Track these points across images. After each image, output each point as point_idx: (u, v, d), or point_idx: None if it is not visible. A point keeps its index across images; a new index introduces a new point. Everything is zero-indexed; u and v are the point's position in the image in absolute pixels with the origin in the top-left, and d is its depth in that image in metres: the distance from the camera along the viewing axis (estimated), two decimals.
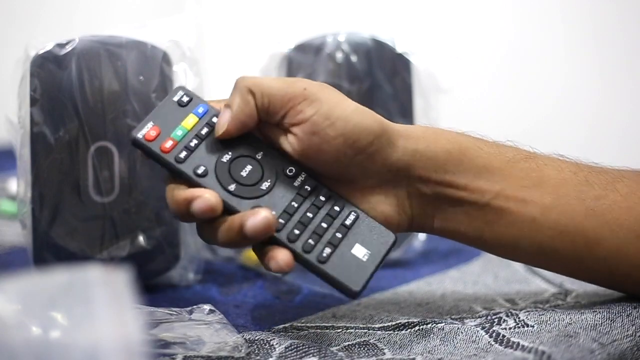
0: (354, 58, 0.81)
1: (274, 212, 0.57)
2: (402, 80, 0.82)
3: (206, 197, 0.56)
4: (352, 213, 0.59)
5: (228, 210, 0.57)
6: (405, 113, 0.81)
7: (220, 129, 0.58)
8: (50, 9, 1.58)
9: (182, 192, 0.57)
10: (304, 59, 0.81)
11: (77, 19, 1.55)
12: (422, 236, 0.84)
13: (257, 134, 0.60)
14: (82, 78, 0.70)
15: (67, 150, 0.70)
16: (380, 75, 0.82)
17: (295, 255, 0.57)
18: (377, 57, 0.82)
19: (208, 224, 0.57)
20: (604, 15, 1.32)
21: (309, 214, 0.58)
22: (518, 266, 0.79)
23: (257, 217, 0.55)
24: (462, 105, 1.12)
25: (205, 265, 0.77)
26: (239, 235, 0.56)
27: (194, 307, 0.62)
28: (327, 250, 0.57)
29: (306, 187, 0.59)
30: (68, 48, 0.70)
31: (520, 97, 1.39)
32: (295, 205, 0.58)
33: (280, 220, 0.57)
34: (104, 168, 0.70)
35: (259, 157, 0.59)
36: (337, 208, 0.59)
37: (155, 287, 0.73)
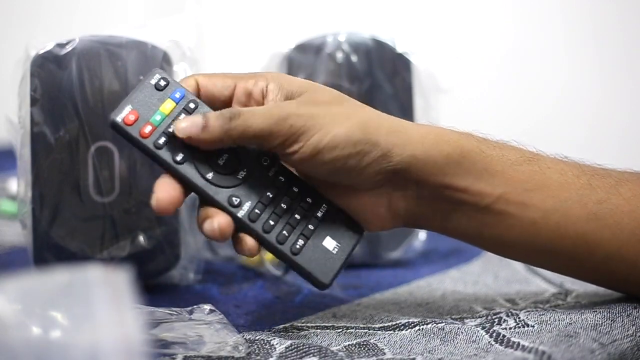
0: (354, 58, 0.81)
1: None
2: (402, 80, 0.82)
3: (214, 225, 0.56)
4: (323, 206, 0.60)
5: (205, 198, 0.58)
6: (405, 113, 0.81)
7: (181, 133, 0.57)
8: (50, 9, 1.58)
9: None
10: (304, 59, 0.81)
11: (77, 19, 1.55)
12: (422, 236, 0.84)
13: None
14: (82, 78, 0.70)
15: (67, 150, 0.69)
16: (380, 75, 0.81)
17: (269, 246, 0.58)
18: (377, 57, 0.82)
19: None
20: (604, 15, 1.32)
21: (283, 205, 0.59)
22: (518, 266, 0.79)
23: (212, 224, 0.56)
24: (462, 105, 1.12)
25: (205, 265, 0.77)
26: (203, 234, 0.58)
27: (194, 307, 0.62)
28: (300, 242, 0.58)
29: (280, 177, 0.60)
30: (68, 48, 0.70)
31: (521, 97, 1.39)
32: (270, 195, 0.59)
33: (256, 211, 0.58)
34: (104, 168, 0.70)
35: (235, 146, 0.59)
36: (309, 200, 0.60)
37: (156, 287, 0.73)
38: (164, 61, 0.72)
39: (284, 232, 0.58)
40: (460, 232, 0.61)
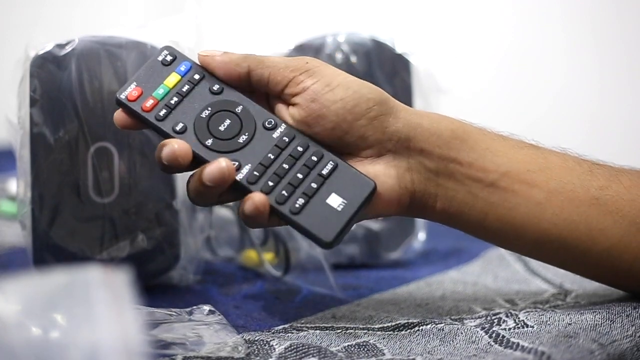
0: (353, 58, 0.81)
1: (235, 163, 0.58)
2: (401, 81, 0.82)
3: (173, 146, 0.57)
4: (330, 162, 0.59)
5: (204, 164, 0.58)
6: None
7: (203, 57, 0.61)
8: (50, 9, 1.58)
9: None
10: None
11: (77, 19, 1.55)
12: (422, 236, 0.84)
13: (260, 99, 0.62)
14: (82, 78, 0.70)
15: (67, 150, 0.70)
16: (380, 75, 0.82)
17: (270, 208, 0.58)
18: (376, 57, 0.82)
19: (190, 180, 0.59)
20: (603, 14, 1.32)
21: (285, 165, 0.59)
22: (518, 266, 0.79)
23: (213, 165, 0.57)
24: (462, 105, 1.12)
25: (205, 266, 0.77)
26: (200, 183, 0.57)
27: (194, 307, 0.62)
28: (301, 201, 0.58)
29: (284, 138, 0.59)
30: (68, 48, 0.70)
31: (520, 97, 1.39)
32: (272, 157, 0.59)
33: (255, 173, 0.58)
34: (103, 168, 0.70)
35: (239, 111, 0.60)
36: (314, 158, 0.59)
37: (155, 288, 0.73)
38: None
39: (284, 192, 0.58)
40: (465, 215, 0.61)
